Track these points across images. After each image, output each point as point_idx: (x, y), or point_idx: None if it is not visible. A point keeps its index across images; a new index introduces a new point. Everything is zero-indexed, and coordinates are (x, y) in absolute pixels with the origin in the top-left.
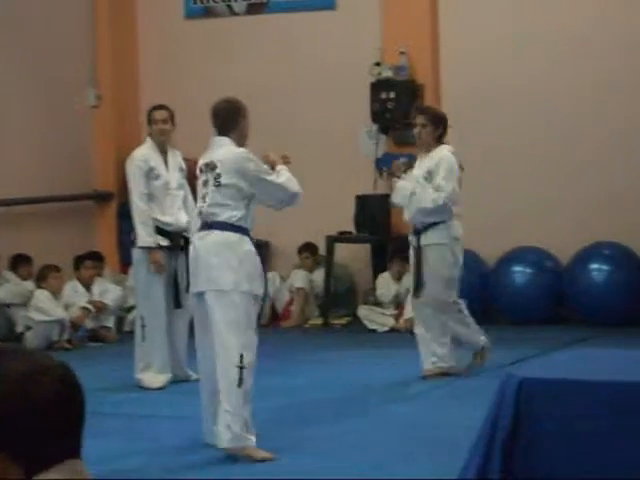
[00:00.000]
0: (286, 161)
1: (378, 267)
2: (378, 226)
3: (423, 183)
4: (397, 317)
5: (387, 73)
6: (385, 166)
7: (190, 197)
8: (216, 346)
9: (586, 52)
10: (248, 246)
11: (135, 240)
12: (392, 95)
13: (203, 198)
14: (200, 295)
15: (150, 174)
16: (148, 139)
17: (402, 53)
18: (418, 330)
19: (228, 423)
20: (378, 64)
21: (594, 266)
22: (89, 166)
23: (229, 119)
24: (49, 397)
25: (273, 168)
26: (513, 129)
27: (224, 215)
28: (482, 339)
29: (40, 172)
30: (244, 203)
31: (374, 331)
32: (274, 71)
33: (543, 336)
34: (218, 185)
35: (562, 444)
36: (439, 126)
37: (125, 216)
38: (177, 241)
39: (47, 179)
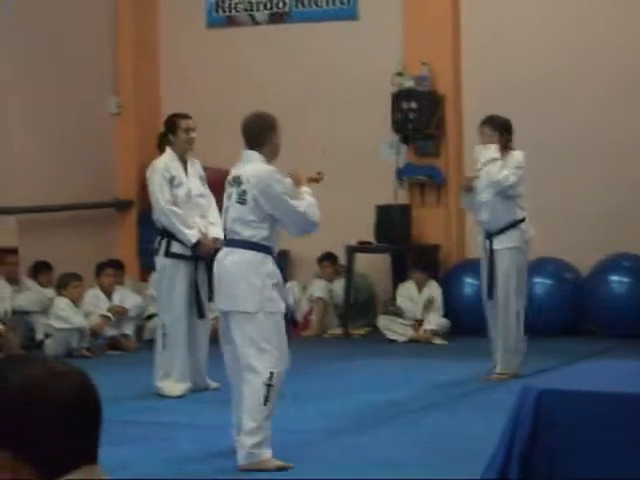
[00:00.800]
0: (319, 177)
1: (398, 277)
2: (398, 236)
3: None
4: (417, 327)
5: (409, 83)
6: (406, 176)
7: (214, 205)
8: (243, 367)
9: (604, 53)
10: (271, 266)
11: (158, 248)
12: (413, 105)
13: (226, 212)
14: (224, 312)
15: (172, 182)
16: (168, 148)
17: (424, 64)
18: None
19: (247, 441)
20: (400, 74)
21: (614, 277)
22: (110, 174)
23: (259, 134)
24: (66, 402)
25: (297, 186)
26: (532, 139)
27: (247, 233)
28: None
29: (62, 180)
30: (269, 222)
31: (394, 341)
32: (295, 81)
33: (562, 348)
34: (242, 202)
35: (580, 455)
36: (504, 133)
37: (145, 224)
38: (196, 250)
39: (69, 187)
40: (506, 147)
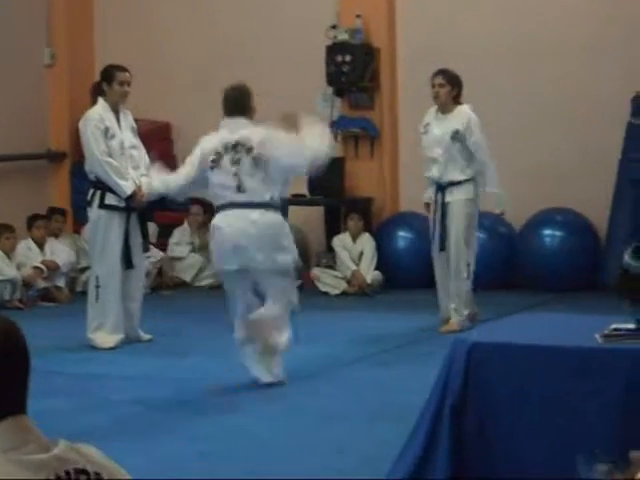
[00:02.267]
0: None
1: (331, 230)
2: (332, 189)
3: (450, 142)
4: (350, 280)
5: (343, 36)
6: (340, 128)
7: (146, 157)
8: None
9: (552, 16)
10: (287, 224)
11: (92, 200)
12: (348, 58)
13: (237, 175)
14: (244, 270)
15: (106, 134)
16: (101, 99)
17: (358, 16)
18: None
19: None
20: (334, 27)
21: (547, 232)
22: (43, 125)
23: (242, 101)
24: None
25: (295, 126)
26: (467, 94)
27: (266, 195)
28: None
29: None
30: (281, 182)
31: (326, 294)
32: (230, 32)
33: (495, 301)
34: (259, 166)
35: (511, 407)
36: (455, 86)
37: (78, 176)
38: (130, 202)
39: (1, 138)
40: (455, 100)
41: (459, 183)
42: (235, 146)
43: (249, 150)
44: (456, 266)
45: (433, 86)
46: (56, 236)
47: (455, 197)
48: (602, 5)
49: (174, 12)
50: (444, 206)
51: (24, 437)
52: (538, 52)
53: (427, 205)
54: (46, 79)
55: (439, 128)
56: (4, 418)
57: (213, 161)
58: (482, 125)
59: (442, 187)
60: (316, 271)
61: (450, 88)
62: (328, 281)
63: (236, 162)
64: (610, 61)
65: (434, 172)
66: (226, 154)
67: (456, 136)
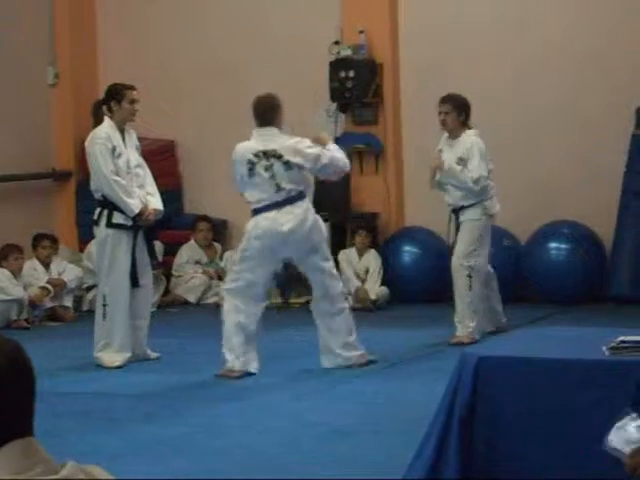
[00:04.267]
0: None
1: (337, 246)
2: (338, 205)
3: (455, 167)
4: (356, 295)
5: (346, 52)
6: (344, 144)
7: (151, 175)
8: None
9: (557, 31)
10: None
11: (99, 219)
12: (351, 74)
13: (271, 179)
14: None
15: (113, 153)
16: (107, 118)
17: (361, 32)
18: None
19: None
20: (337, 43)
21: (552, 245)
22: (47, 145)
23: (272, 112)
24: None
25: (323, 145)
26: (472, 108)
27: (298, 188)
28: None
29: None
30: (307, 178)
31: None
32: (234, 47)
33: None
34: (290, 168)
35: (519, 421)
36: (462, 112)
37: (84, 195)
38: (137, 220)
39: (5, 158)
40: (463, 125)
41: (468, 207)
42: (266, 154)
43: (279, 157)
44: (456, 280)
45: (440, 114)
46: (46, 265)
47: (465, 217)
48: (605, 16)
49: (177, 31)
50: (458, 225)
51: (32, 460)
52: (541, 65)
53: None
54: (50, 98)
55: (448, 154)
56: (11, 440)
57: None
58: (486, 140)
59: (456, 210)
60: None
61: (456, 114)
62: None
63: (266, 169)
64: (614, 73)
65: (447, 198)
66: (263, 161)
67: (460, 163)
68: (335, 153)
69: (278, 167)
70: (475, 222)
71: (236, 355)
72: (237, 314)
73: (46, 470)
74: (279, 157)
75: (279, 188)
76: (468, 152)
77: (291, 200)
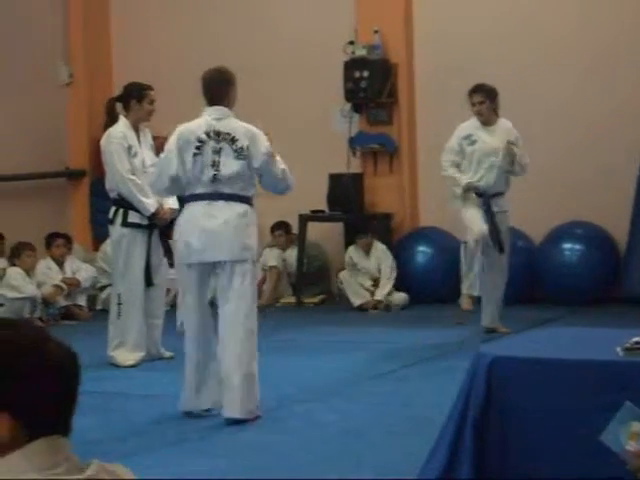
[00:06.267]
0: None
1: (350, 245)
2: (351, 205)
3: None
4: (372, 294)
5: (361, 52)
6: (359, 144)
7: None
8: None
9: (568, 29)
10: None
11: (114, 218)
12: (365, 74)
13: (215, 165)
14: (214, 263)
15: (129, 152)
16: (122, 117)
17: (376, 32)
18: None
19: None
20: (352, 43)
21: (566, 245)
22: (62, 143)
23: (223, 88)
24: (61, 365)
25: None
26: None
27: (242, 187)
28: None
29: (13, 149)
30: (255, 179)
31: (350, 305)
32: (248, 48)
33: (515, 315)
34: (242, 158)
35: (533, 421)
36: (494, 99)
37: (98, 194)
38: (153, 219)
39: (20, 156)
40: (495, 113)
41: (502, 194)
42: (219, 134)
43: (233, 141)
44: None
45: (473, 104)
46: (60, 264)
47: (501, 208)
48: (619, 13)
49: (191, 30)
50: (493, 215)
51: (57, 457)
52: (557, 65)
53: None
54: (64, 97)
55: (491, 138)
56: (43, 436)
57: (197, 148)
58: None
59: (487, 196)
60: (344, 274)
61: (490, 103)
62: (355, 289)
63: (216, 151)
64: (629, 71)
65: (486, 180)
66: (214, 143)
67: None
68: (285, 167)
69: (227, 152)
70: (508, 214)
71: None
72: None
73: (71, 469)
74: (232, 141)
75: (215, 178)
76: (515, 137)
77: (229, 198)
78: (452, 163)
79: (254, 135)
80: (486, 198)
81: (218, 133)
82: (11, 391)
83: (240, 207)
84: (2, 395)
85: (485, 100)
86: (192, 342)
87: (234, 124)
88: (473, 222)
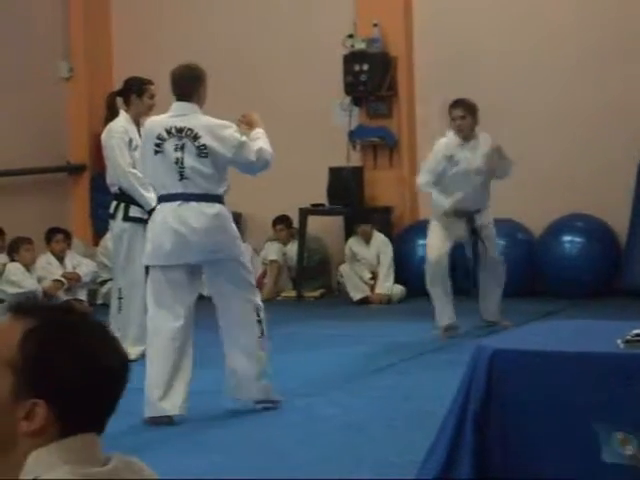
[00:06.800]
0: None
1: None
2: (351, 198)
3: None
4: (372, 288)
5: (360, 45)
6: (358, 138)
7: None
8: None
9: (566, 21)
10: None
11: (115, 212)
12: (365, 67)
13: (178, 163)
14: (201, 263)
15: (130, 146)
16: (122, 112)
17: (375, 25)
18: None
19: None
20: (351, 36)
21: (567, 238)
22: (62, 138)
23: (191, 84)
24: (110, 367)
25: (251, 128)
26: (484, 102)
27: (209, 186)
28: None
29: (13, 144)
30: (225, 176)
31: (349, 298)
32: (248, 42)
33: (516, 308)
34: (204, 156)
35: (534, 414)
36: (474, 114)
37: (98, 189)
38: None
39: (20, 151)
40: (474, 129)
41: (485, 209)
42: (180, 131)
43: (195, 138)
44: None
45: (453, 119)
46: (60, 259)
47: (487, 220)
48: (608, 12)
49: (192, 23)
50: (473, 230)
51: (92, 455)
52: (557, 57)
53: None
54: (64, 92)
55: (474, 156)
56: (79, 433)
57: (157, 145)
58: (501, 132)
59: (470, 214)
60: (345, 267)
61: (471, 118)
62: (355, 282)
63: (179, 148)
64: (631, 63)
65: (469, 199)
66: (176, 140)
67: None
68: (262, 143)
69: (189, 150)
70: (492, 226)
71: None
72: None
73: (96, 462)
74: (194, 138)
75: (182, 177)
76: (491, 150)
77: (199, 198)
78: (432, 184)
79: (218, 129)
80: (469, 217)
81: (180, 130)
82: (53, 382)
83: (211, 208)
84: (44, 383)
85: (466, 115)
86: (162, 345)
87: (197, 120)
88: (433, 246)
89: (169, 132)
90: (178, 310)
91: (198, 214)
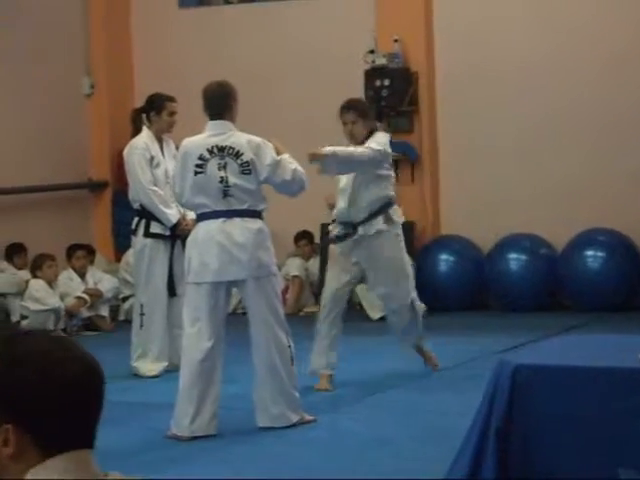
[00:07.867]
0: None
1: None
2: None
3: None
4: None
5: (381, 61)
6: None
7: None
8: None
9: (586, 32)
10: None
11: (137, 228)
12: (386, 82)
13: (223, 182)
14: (239, 281)
15: (151, 163)
16: (145, 128)
17: (396, 41)
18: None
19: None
20: (372, 52)
21: (588, 252)
22: (84, 155)
23: (224, 102)
24: (70, 378)
25: (278, 154)
26: (506, 115)
27: (252, 202)
28: None
29: (35, 161)
30: (263, 193)
31: (367, 316)
32: (268, 60)
33: (537, 323)
34: (248, 172)
35: (556, 429)
36: (367, 117)
37: (120, 205)
38: (175, 230)
39: (42, 168)
40: (370, 132)
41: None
42: (222, 150)
43: (237, 155)
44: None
45: (345, 124)
46: (82, 275)
47: (368, 232)
48: (629, 20)
49: (211, 39)
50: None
51: (82, 471)
52: (576, 71)
53: None
54: (86, 109)
55: None
56: (71, 450)
57: (198, 166)
58: (522, 144)
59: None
60: (363, 288)
61: (362, 121)
62: (373, 301)
63: (221, 167)
64: None
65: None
66: (218, 159)
67: None
68: (296, 165)
69: (232, 168)
70: (388, 233)
71: None
72: None
73: None
74: (236, 155)
75: (226, 195)
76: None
77: (243, 214)
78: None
79: (258, 146)
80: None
81: (221, 148)
82: (15, 405)
83: (254, 224)
84: (7, 408)
85: (357, 120)
86: (195, 369)
87: (237, 138)
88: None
89: (211, 152)
90: (212, 328)
91: (242, 229)
